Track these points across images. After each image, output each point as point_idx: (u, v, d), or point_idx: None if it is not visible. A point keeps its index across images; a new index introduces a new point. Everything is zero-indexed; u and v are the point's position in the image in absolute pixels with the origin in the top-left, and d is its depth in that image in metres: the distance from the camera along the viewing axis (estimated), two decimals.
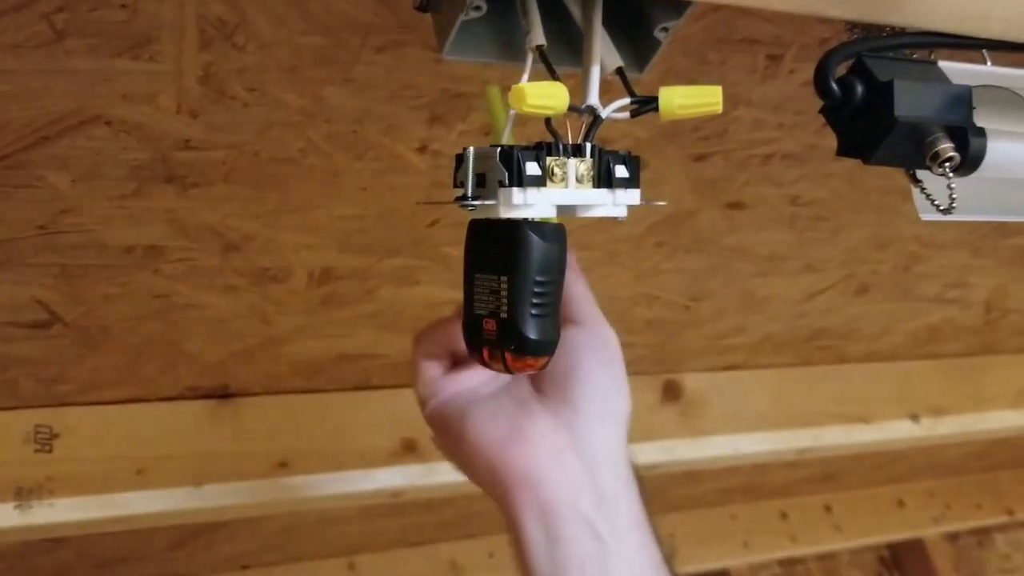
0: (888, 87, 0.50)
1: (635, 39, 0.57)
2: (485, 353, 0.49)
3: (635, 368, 1.18)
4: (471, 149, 0.47)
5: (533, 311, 0.47)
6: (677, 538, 1.78)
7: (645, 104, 0.51)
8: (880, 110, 0.51)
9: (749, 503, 1.91)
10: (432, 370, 0.56)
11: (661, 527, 0.53)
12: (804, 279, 1.10)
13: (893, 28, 0.56)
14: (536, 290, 0.47)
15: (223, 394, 1.01)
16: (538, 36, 0.52)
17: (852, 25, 0.59)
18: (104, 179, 0.68)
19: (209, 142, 0.68)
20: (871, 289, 1.18)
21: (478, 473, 0.52)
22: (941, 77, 0.53)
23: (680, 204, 0.90)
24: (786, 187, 0.92)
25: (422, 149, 0.74)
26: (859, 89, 0.52)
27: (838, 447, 1.31)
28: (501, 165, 0.47)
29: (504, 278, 0.47)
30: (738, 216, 0.94)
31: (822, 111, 0.55)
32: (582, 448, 0.52)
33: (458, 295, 0.89)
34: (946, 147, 0.51)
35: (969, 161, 0.51)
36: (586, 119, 0.51)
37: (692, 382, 1.23)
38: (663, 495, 1.59)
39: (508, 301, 0.47)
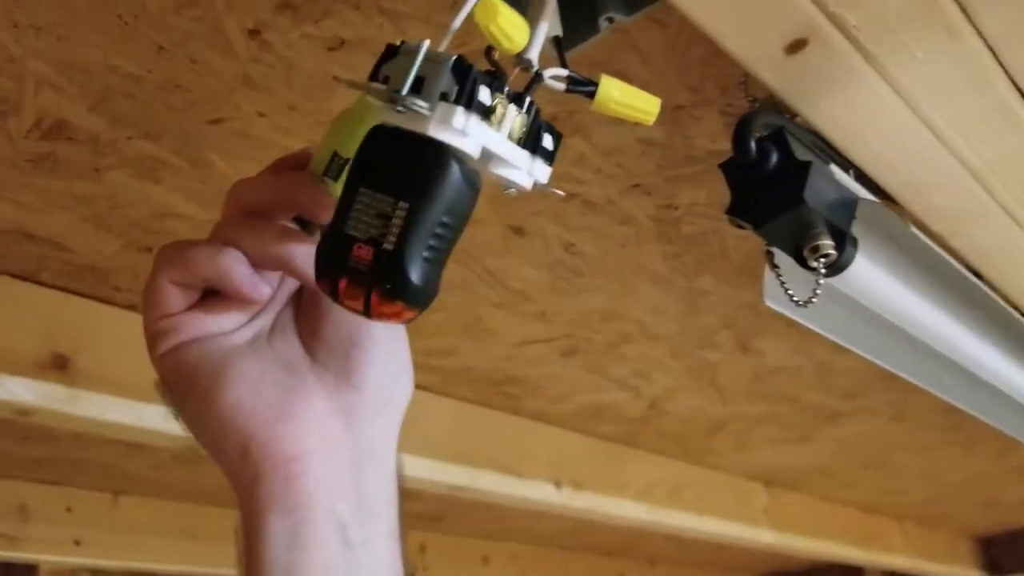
0: (804, 168, 0.50)
1: (574, 16, 0.52)
2: (343, 283, 0.40)
3: None
4: (426, 43, 0.39)
5: (426, 253, 0.39)
6: None
7: (582, 84, 0.46)
8: (789, 186, 0.50)
9: None
10: (176, 298, 0.42)
11: None
12: (531, 325, 1.10)
13: (794, 115, 0.56)
14: (438, 231, 0.39)
15: None
16: None
17: (754, 98, 0.59)
18: None
19: None
20: (576, 354, 1.21)
21: (223, 445, 0.41)
22: (833, 178, 0.54)
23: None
24: (568, 231, 0.91)
25: (253, 33, 0.63)
26: (774, 158, 0.51)
27: (489, 493, 1.32)
28: (452, 76, 0.39)
29: (404, 204, 0.39)
30: (513, 241, 0.91)
31: (723, 165, 0.54)
32: (356, 440, 0.43)
33: (202, 215, 0.77)
34: (828, 243, 0.51)
35: (837, 266, 0.52)
36: (524, 73, 0.45)
37: None
38: None
39: (401, 231, 0.39)
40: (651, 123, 0.47)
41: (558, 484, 1.42)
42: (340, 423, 0.42)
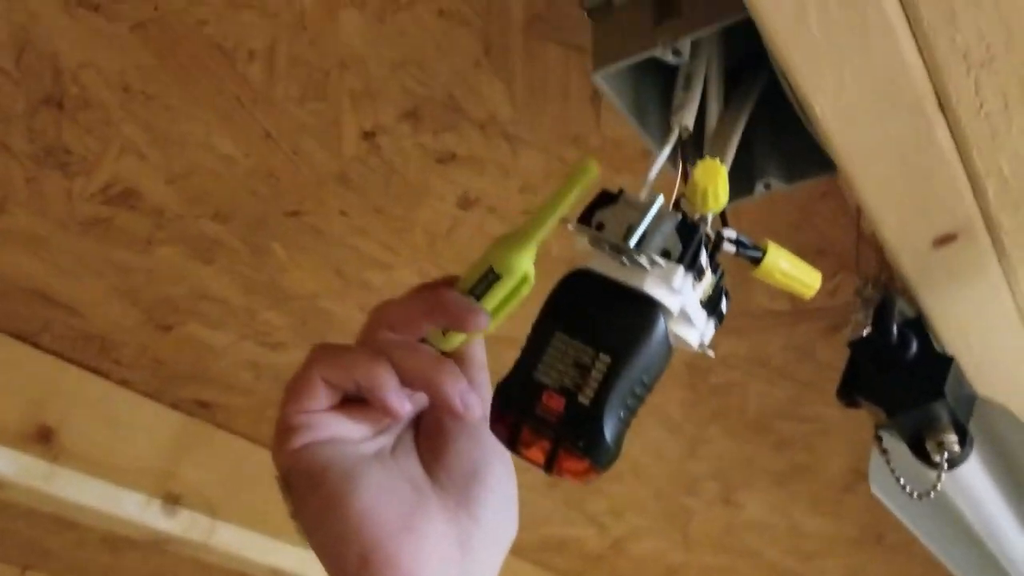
0: (947, 363, 0.50)
1: (733, 175, 0.52)
2: (525, 431, 0.38)
3: None
4: (660, 199, 0.38)
5: (621, 412, 0.37)
6: None
7: (749, 248, 0.46)
8: (928, 378, 0.50)
9: None
10: (323, 396, 0.41)
11: None
12: None
13: (907, 297, 0.57)
14: (636, 390, 0.38)
15: None
16: (688, 117, 0.45)
17: (866, 278, 0.60)
18: None
19: None
20: (560, 485, 1.18)
21: (342, 551, 0.39)
22: (961, 372, 0.54)
23: None
24: None
25: (368, 135, 0.61)
26: (914, 346, 0.51)
27: None
28: (678, 235, 0.38)
29: (606, 358, 0.37)
30: None
31: (855, 344, 0.54)
32: (467, 570, 0.41)
33: (240, 302, 0.74)
34: (953, 438, 0.51)
35: (955, 462, 0.52)
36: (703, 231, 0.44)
37: None
38: None
39: (600, 386, 0.37)
40: (808, 298, 0.46)
41: None
42: (457, 551, 0.41)
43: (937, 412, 0.50)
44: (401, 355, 0.41)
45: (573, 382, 0.37)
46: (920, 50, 0.39)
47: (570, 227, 0.39)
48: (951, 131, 0.43)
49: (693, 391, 0.94)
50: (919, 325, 0.51)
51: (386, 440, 0.43)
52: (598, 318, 0.38)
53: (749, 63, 0.50)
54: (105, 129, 0.60)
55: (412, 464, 0.43)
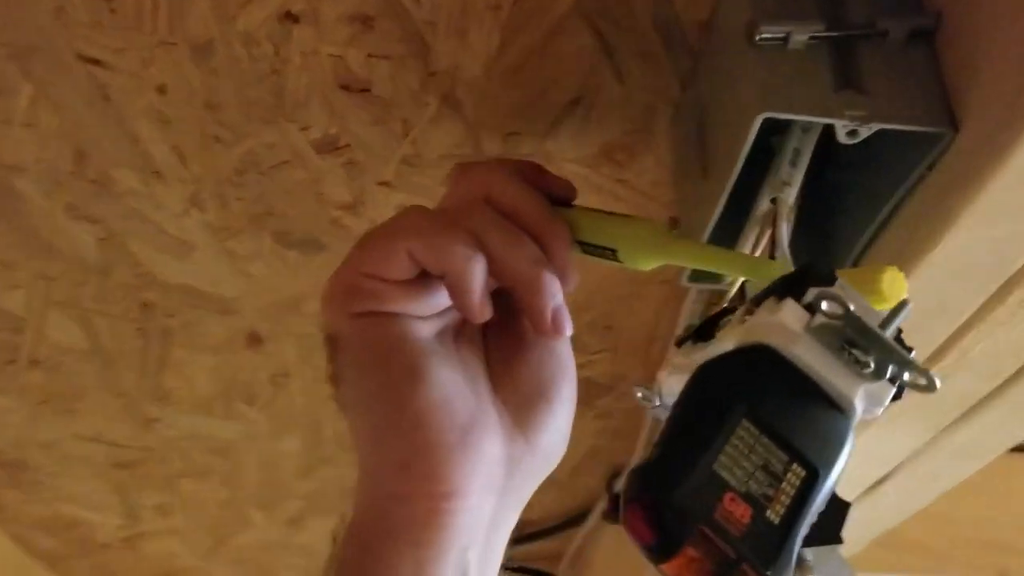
0: (846, 507, 0.50)
1: None
2: (689, 541, 0.29)
3: None
4: (909, 303, 0.32)
5: (801, 539, 0.30)
6: None
7: None
8: (830, 521, 0.49)
9: None
10: (401, 269, 0.34)
11: None
12: None
13: None
14: (817, 513, 0.31)
15: None
16: (793, 194, 0.40)
17: None
18: None
19: None
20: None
21: (387, 441, 0.34)
22: None
23: None
24: None
25: (286, 18, 0.44)
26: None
27: None
28: (900, 350, 0.32)
29: (801, 470, 0.31)
30: None
31: None
32: (506, 495, 0.37)
33: None
34: None
35: None
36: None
37: None
38: None
39: (793, 503, 0.30)
40: None
41: None
42: (502, 473, 0.36)
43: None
44: (504, 247, 0.35)
45: (762, 491, 0.30)
46: None
47: (793, 302, 0.30)
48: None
49: None
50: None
51: (445, 322, 0.37)
52: (795, 419, 0.31)
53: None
54: None
55: (476, 364, 0.37)
